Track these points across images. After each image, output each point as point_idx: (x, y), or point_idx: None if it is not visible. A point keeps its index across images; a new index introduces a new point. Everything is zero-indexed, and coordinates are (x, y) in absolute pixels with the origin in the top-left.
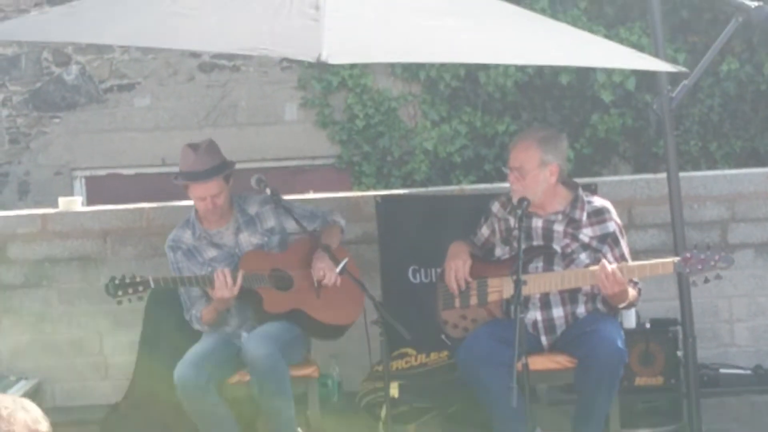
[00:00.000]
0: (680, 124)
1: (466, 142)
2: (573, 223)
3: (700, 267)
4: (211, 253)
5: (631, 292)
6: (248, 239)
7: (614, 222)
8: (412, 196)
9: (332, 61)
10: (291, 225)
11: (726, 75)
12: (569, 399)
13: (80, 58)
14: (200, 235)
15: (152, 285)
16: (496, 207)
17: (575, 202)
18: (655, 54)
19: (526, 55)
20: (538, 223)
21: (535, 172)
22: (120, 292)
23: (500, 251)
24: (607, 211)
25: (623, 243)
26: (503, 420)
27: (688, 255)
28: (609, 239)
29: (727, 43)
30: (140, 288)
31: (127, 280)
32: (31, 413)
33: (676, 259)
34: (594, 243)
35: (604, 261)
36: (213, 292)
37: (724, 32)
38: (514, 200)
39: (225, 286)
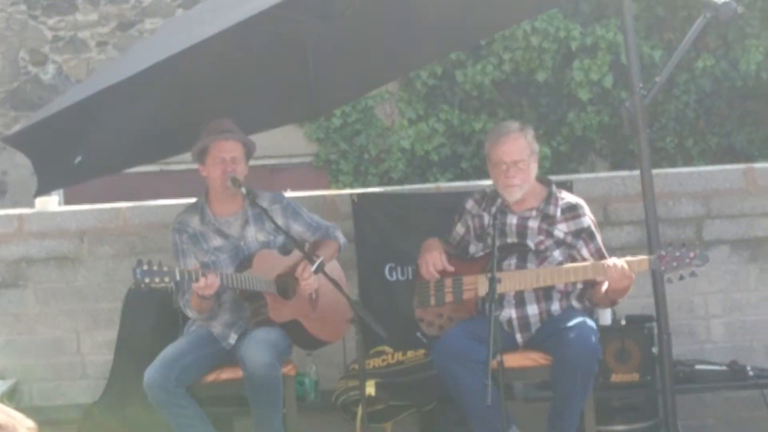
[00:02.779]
0: (656, 121)
1: (443, 140)
2: (547, 219)
3: (675, 265)
4: (217, 242)
5: None
6: (254, 235)
7: (588, 217)
8: (388, 194)
9: None
10: (296, 229)
11: (701, 71)
12: (545, 396)
13: (57, 58)
14: (208, 221)
15: (177, 278)
16: (470, 204)
17: (549, 198)
18: (628, 51)
19: None
20: (512, 219)
21: (529, 161)
22: (147, 279)
23: (474, 248)
24: (581, 206)
25: (599, 238)
26: (479, 417)
27: (663, 253)
28: (584, 234)
29: (702, 39)
30: (166, 279)
31: (155, 268)
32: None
33: (652, 257)
34: (569, 239)
35: (613, 258)
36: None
37: (693, 28)
38: (516, 196)
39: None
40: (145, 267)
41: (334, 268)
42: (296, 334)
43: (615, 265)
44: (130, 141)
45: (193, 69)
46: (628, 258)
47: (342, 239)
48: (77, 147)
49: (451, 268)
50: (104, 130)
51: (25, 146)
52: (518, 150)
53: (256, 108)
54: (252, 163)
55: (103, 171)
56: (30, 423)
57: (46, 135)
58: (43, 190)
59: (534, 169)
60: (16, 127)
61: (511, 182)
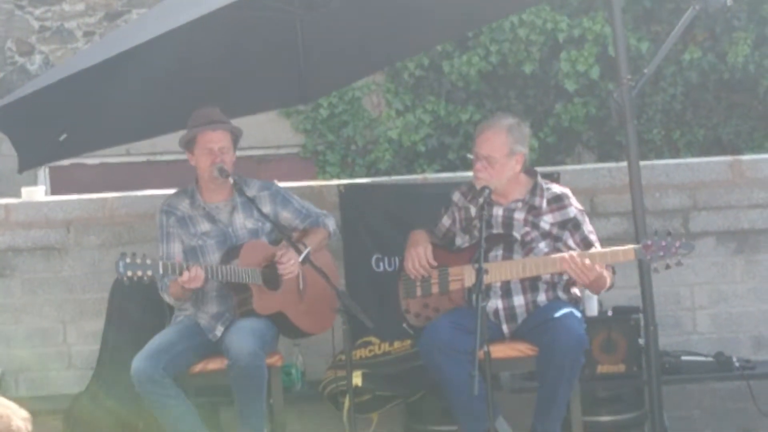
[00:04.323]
0: (643, 113)
1: (430, 131)
2: (533, 211)
3: (661, 254)
4: (205, 227)
5: (607, 275)
6: (243, 222)
7: (574, 207)
8: (375, 185)
9: None
10: (285, 216)
11: (689, 64)
12: (531, 387)
13: (44, 48)
14: (198, 205)
15: (161, 271)
16: (456, 196)
17: (535, 190)
18: (616, 42)
19: None
20: (498, 211)
21: (503, 161)
22: (130, 273)
23: (460, 240)
24: (567, 197)
25: (585, 227)
26: (465, 408)
27: (648, 242)
28: (570, 225)
29: (690, 32)
30: (149, 272)
31: (138, 261)
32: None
33: (637, 246)
34: (555, 230)
35: (571, 253)
36: (181, 280)
37: (682, 20)
38: (478, 188)
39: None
40: (128, 260)
41: (324, 258)
42: (282, 326)
43: (571, 259)
44: (116, 119)
45: (180, 50)
46: (614, 248)
47: (332, 227)
48: (61, 124)
49: (434, 263)
50: (89, 107)
51: (4, 124)
52: (492, 146)
53: (243, 91)
54: (238, 153)
55: (87, 148)
56: (24, 413)
57: (28, 112)
58: (24, 166)
59: (511, 169)
60: None
61: (477, 174)
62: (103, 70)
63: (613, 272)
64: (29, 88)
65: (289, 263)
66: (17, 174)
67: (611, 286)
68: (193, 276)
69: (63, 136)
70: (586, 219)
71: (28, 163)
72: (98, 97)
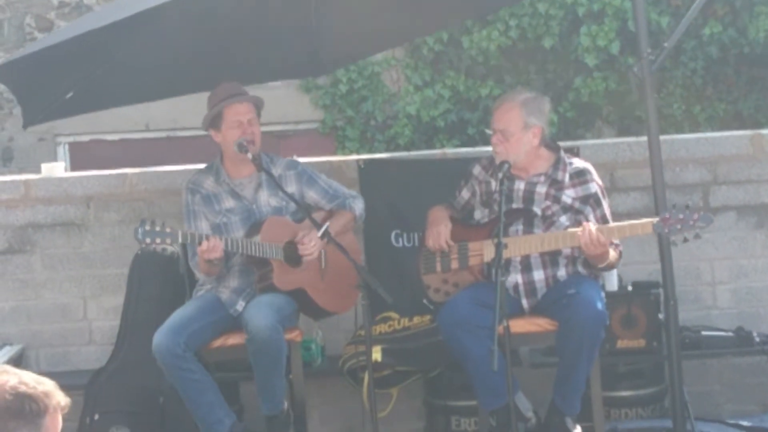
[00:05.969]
0: (663, 87)
1: (450, 106)
2: (556, 185)
3: (679, 227)
4: (229, 203)
5: (612, 253)
6: (267, 199)
7: (596, 183)
8: (395, 161)
9: None
10: (311, 196)
11: (709, 38)
12: (551, 362)
13: (63, 24)
14: (223, 181)
15: (180, 240)
16: (477, 170)
17: (557, 164)
18: (636, 16)
19: None
20: (520, 185)
21: (519, 135)
22: (149, 239)
23: (480, 214)
24: (589, 172)
25: (605, 204)
26: (484, 383)
27: (666, 215)
28: (591, 200)
29: (710, 6)
30: (168, 240)
31: (158, 228)
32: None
33: (655, 219)
34: (576, 204)
35: (587, 223)
36: (200, 250)
37: None
38: (497, 162)
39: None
40: (148, 227)
41: (348, 239)
42: (303, 303)
43: (587, 233)
44: (124, 79)
45: (191, 12)
46: (632, 221)
47: (359, 210)
48: (69, 82)
49: (453, 244)
50: (96, 67)
51: (10, 79)
52: (506, 120)
53: (254, 57)
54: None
55: (93, 107)
56: (62, 395)
57: (35, 69)
58: (29, 121)
59: (528, 142)
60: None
61: (494, 148)
62: (113, 30)
63: (620, 255)
64: (37, 45)
65: (310, 244)
66: (37, 154)
67: (612, 266)
68: (212, 246)
69: (69, 94)
70: (605, 196)
71: (33, 118)
72: (107, 56)
